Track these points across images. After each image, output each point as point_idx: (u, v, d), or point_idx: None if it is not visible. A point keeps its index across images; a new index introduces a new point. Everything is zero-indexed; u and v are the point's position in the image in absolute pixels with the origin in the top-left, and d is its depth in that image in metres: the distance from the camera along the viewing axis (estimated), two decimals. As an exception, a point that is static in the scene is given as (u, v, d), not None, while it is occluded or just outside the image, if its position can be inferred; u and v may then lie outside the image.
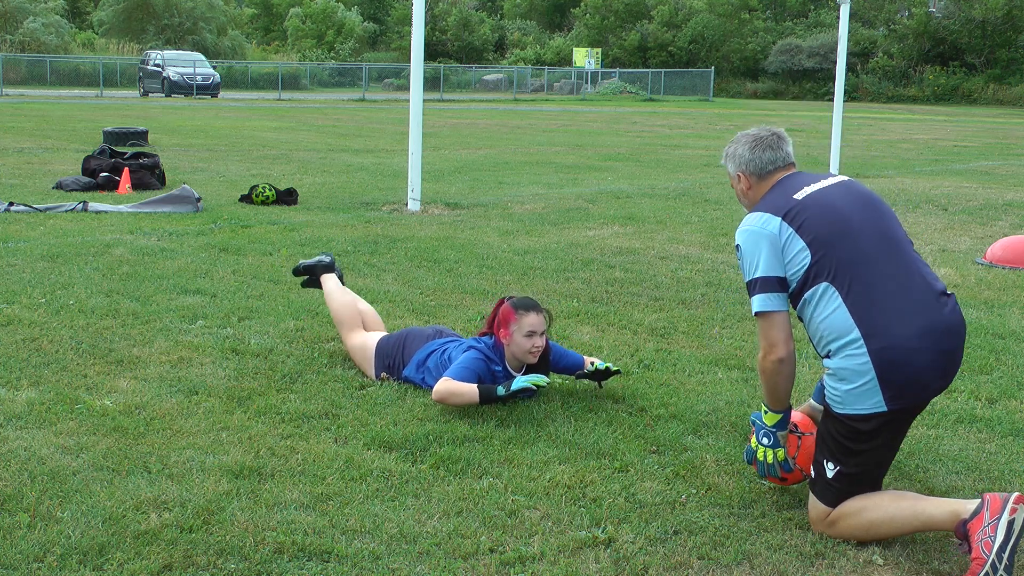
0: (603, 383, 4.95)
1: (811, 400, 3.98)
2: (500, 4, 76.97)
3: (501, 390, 4.54)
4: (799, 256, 3.47)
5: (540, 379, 4.57)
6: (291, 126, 25.34)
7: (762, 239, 3.52)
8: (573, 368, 4.99)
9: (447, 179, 14.22)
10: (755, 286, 3.53)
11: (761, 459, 3.71)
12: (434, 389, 4.63)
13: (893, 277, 3.45)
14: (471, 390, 4.56)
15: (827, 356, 3.49)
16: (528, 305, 4.77)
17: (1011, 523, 3.11)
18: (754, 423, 3.78)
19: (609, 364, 4.92)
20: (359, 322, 5.39)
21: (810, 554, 3.41)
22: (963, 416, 4.75)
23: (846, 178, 3.76)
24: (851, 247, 3.46)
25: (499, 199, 12.27)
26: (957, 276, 8.09)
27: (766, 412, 3.70)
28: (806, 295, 3.49)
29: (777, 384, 3.58)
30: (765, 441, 3.70)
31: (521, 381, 4.53)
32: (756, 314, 3.54)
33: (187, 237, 8.91)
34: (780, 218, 3.52)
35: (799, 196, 3.57)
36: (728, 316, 6.65)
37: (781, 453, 3.68)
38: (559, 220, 10.59)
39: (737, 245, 3.62)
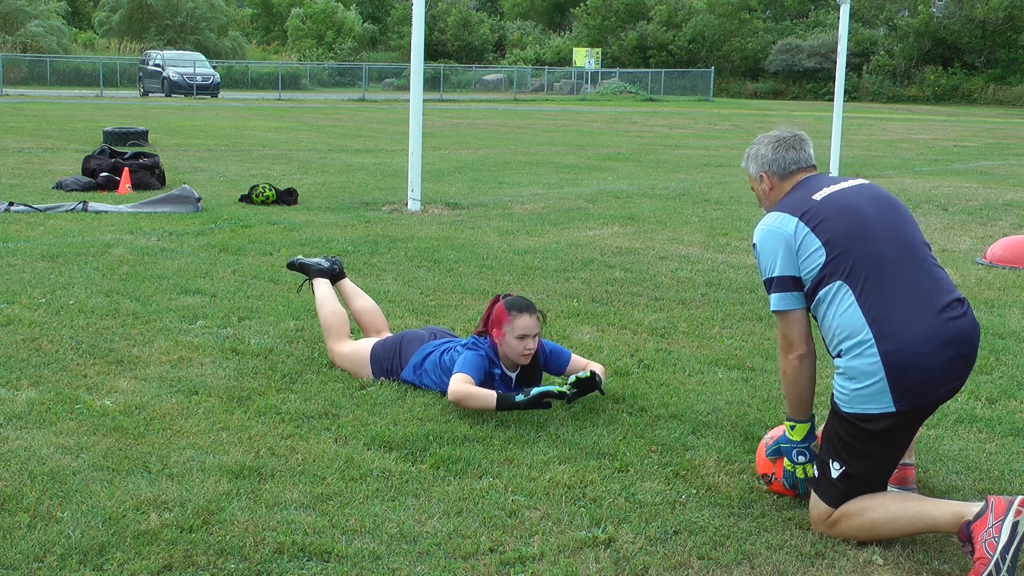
0: (603, 390, 4.77)
1: None
2: (500, 4, 76.96)
3: (520, 397, 4.43)
4: (814, 255, 3.48)
5: (558, 388, 4.46)
6: (291, 126, 25.34)
7: (778, 239, 3.54)
8: (562, 370, 4.94)
9: (447, 179, 14.22)
10: (771, 285, 3.57)
11: (802, 477, 3.67)
12: (450, 388, 4.53)
13: (907, 281, 3.44)
14: (489, 395, 4.48)
15: (838, 355, 3.49)
16: (521, 306, 4.69)
17: (1016, 525, 3.12)
18: (780, 449, 3.74)
19: (579, 375, 4.62)
20: (347, 331, 5.36)
21: (810, 554, 3.41)
22: (963, 416, 4.75)
23: (866, 181, 3.76)
24: (867, 248, 3.46)
25: (499, 199, 12.27)
26: (957, 276, 8.08)
27: (792, 427, 3.67)
28: (820, 293, 3.50)
29: (800, 385, 3.57)
30: (801, 459, 3.66)
31: (540, 389, 4.43)
32: (774, 312, 3.58)
33: (187, 237, 8.91)
34: (796, 218, 3.53)
35: (817, 197, 3.58)
36: (728, 316, 6.64)
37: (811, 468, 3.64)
38: (559, 220, 10.59)
39: (754, 244, 3.65)
